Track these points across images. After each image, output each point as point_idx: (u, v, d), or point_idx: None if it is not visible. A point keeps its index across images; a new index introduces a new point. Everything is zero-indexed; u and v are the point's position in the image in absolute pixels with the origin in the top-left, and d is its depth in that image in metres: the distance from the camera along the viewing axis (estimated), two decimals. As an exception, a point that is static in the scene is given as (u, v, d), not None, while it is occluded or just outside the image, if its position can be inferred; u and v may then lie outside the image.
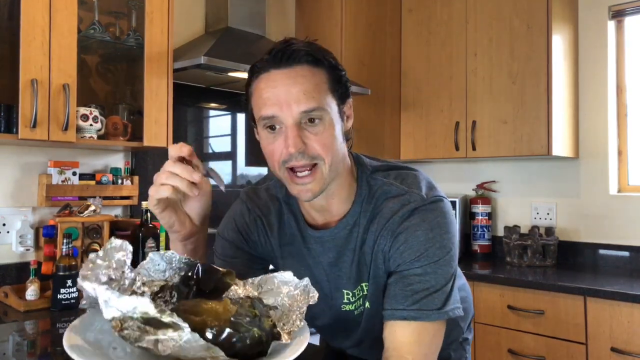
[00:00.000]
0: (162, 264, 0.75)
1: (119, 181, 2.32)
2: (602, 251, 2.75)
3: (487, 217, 3.06)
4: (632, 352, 2.08)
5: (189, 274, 0.74)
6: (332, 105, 0.95)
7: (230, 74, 2.41)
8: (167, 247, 2.55)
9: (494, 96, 2.78)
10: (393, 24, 3.20)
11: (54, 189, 2.11)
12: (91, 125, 2.03)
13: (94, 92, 2.30)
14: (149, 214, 2.07)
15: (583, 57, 2.83)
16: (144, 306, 0.59)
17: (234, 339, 0.62)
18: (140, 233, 2.03)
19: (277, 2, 3.13)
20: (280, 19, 3.15)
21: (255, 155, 3.02)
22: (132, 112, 2.30)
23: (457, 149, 2.89)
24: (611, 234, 2.73)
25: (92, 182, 2.23)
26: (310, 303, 0.71)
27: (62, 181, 2.15)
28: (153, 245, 2.03)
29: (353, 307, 1.07)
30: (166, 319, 0.58)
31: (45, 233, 1.97)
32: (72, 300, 1.80)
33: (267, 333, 0.65)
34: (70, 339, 0.66)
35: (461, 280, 1.23)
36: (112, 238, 0.71)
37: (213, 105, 2.86)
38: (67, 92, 1.90)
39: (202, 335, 0.60)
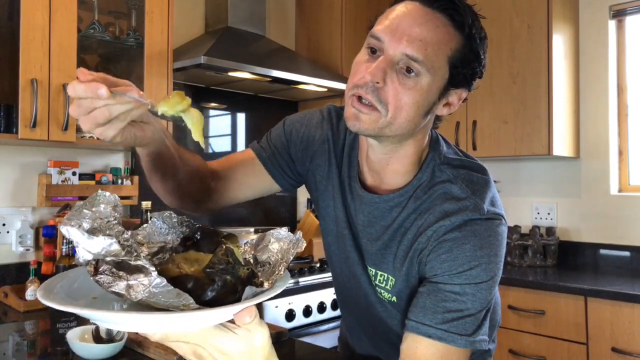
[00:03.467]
0: (163, 226, 0.73)
1: (119, 181, 2.32)
2: (602, 251, 2.75)
3: (487, 217, 3.05)
4: (633, 352, 2.07)
5: (189, 235, 0.73)
6: (441, 74, 0.84)
7: (230, 73, 2.41)
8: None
9: (494, 96, 2.78)
10: (393, 23, 3.19)
11: (54, 189, 2.11)
12: (91, 125, 2.02)
13: (94, 92, 2.29)
14: (148, 214, 2.06)
15: (584, 57, 2.83)
16: (111, 247, 0.59)
17: (207, 286, 0.61)
18: (140, 233, 2.02)
19: (277, 2, 3.13)
20: (280, 19, 3.15)
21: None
22: (132, 112, 2.29)
23: (457, 148, 2.89)
24: (612, 234, 2.73)
25: (92, 182, 2.23)
26: (298, 251, 0.69)
27: (62, 181, 2.14)
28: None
29: (373, 288, 1.02)
30: (134, 261, 0.58)
31: (45, 233, 1.97)
32: (72, 301, 1.79)
33: (242, 281, 0.63)
34: (48, 287, 0.65)
35: None
36: (100, 190, 0.68)
37: (213, 105, 2.85)
38: (67, 91, 1.89)
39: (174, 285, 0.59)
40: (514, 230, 2.83)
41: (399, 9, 0.85)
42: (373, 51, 0.85)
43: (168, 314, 0.57)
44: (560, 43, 2.67)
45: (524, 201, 3.03)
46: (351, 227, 1.04)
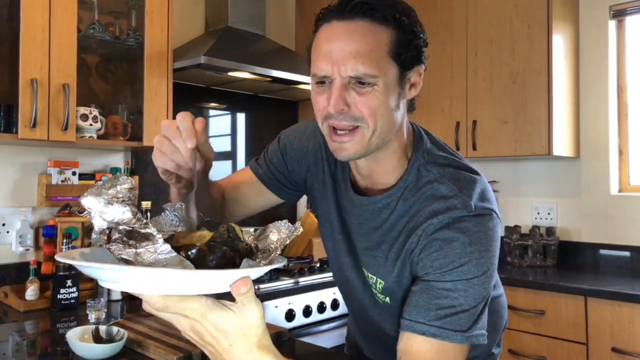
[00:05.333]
0: (174, 218, 0.77)
1: (119, 181, 2.32)
2: (602, 251, 2.75)
3: (487, 217, 3.05)
4: (633, 353, 2.07)
5: (198, 227, 0.77)
6: (391, 70, 0.86)
7: (230, 73, 2.41)
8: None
9: (494, 96, 2.77)
10: (393, 23, 3.19)
11: (54, 188, 2.11)
12: (91, 125, 2.03)
13: (94, 92, 2.29)
14: (148, 214, 2.06)
15: (584, 57, 2.83)
16: (124, 214, 0.65)
17: (208, 257, 0.65)
18: (140, 233, 2.02)
19: (277, 2, 3.13)
20: (280, 19, 3.15)
21: (255, 155, 3.01)
22: (132, 112, 2.30)
23: (457, 149, 2.89)
24: (612, 234, 2.72)
25: (92, 182, 2.23)
26: (295, 235, 0.73)
27: (62, 181, 2.14)
28: (153, 245, 2.02)
29: (367, 288, 1.05)
30: (143, 229, 0.64)
31: (45, 233, 1.97)
32: (72, 300, 1.79)
33: (241, 254, 0.68)
34: (65, 255, 0.70)
35: (499, 290, 1.15)
36: (118, 173, 0.74)
37: (213, 105, 2.85)
38: (67, 91, 1.89)
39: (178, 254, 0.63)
40: (513, 230, 2.83)
41: (324, 36, 0.87)
42: (322, 82, 0.87)
43: (166, 269, 0.60)
44: (560, 43, 2.67)
45: (523, 201, 3.03)
46: (345, 231, 1.06)
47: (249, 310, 0.66)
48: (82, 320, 1.63)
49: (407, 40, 0.87)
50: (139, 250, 0.62)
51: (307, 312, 2.25)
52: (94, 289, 1.91)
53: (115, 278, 0.63)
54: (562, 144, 2.67)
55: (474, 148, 2.83)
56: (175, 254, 0.62)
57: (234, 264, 0.66)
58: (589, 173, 2.81)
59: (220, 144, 2.90)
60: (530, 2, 2.65)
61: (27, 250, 2.10)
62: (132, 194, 0.70)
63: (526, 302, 2.36)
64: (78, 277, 1.83)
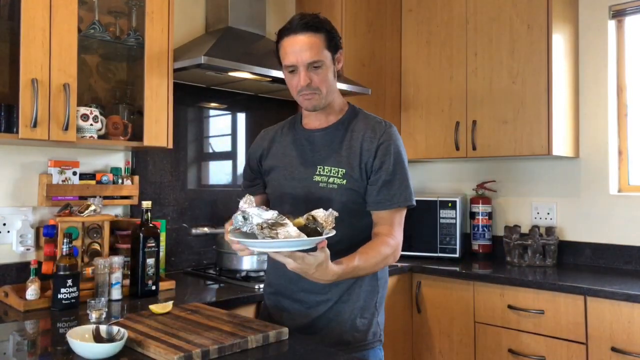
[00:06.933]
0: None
1: (120, 181, 2.32)
2: (602, 251, 2.75)
3: (487, 217, 3.06)
4: (633, 352, 2.08)
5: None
6: (328, 56, 1.51)
7: (231, 73, 2.41)
8: (167, 247, 2.51)
9: (494, 96, 2.78)
10: (393, 24, 3.20)
11: (54, 188, 2.11)
12: (91, 124, 2.03)
13: (94, 91, 2.30)
14: (149, 214, 2.06)
15: (583, 57, 2.83)
16: (272, 215, 1.22)
17: (306, 231, 1.22)
18: (141, 233, 2.02)
19: (277, 2, 3.13)
20: (280, 19, 3.15)
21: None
22: (133, 112, 2.30)
23: (457, 148, 2.89)
24: (611, 234, 2.73)
25: (93, 182, 2.23)
26: (334, 216, 1.27)
27: (63, 181, 2.15)
28: (153, 244, 2.03)
29: (324, 182, 1.55)
30: (281, 220, 1.21)
31: (45, 233, 1.97)
32: (73, 300, 1.79)
33: (321, 229, 1.24)
34: (234, 237, 1.29)
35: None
36: (247, 194, 1.30)
37: (213, 105, 2.86)
38: (68, 91, 1.90)
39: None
40: (513, 229, 2.83)
41: (288, 43, 1.50)
42: (292, 71, 1.52)
43: (294, 238, 1.19)
44: (560, 43, 2.67)
45: (523, 201, 3.04)
46: (302, 155, 1.61)
47: (322, 255, 1.25)
48: (83, 320, 1.64)
49: (331, 38, 1.52)
50: (278, 231, 1.19)
51: (307, 311, 2.25)
52: (94, 288, 1.91)
53: (268, 246, 1.22)
54: (561, 144, 2.67)
55: (474, 148, 2.83)
56: (297, 230, 1.20)
57: (317, 232, 1.24)
58: (588, 173, 2.82)
59: (221, 144, 2.91)
60: (530, 2, 2.66)
61: (27, 249, 2.11)
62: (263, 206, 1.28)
63: (526, 302, 2.36)
64: (78, 276, 1.83)
